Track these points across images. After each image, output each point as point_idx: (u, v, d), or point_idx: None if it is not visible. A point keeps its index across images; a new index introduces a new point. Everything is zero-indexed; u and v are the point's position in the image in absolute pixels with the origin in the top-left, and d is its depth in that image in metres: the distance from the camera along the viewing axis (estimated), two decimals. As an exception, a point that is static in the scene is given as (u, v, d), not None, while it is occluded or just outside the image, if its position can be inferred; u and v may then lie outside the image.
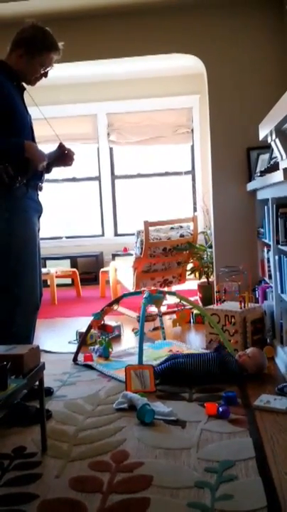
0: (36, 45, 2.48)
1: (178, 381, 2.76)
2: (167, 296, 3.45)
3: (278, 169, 2.64)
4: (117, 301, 3.47)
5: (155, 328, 3.96)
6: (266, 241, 3.47)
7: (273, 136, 2.66)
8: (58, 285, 5.95)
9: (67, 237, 7.19)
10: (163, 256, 4.53)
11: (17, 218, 2.44)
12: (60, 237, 7.16)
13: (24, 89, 2.62)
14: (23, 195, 2.47)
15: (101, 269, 5.93)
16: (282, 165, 2.66)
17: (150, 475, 1.84)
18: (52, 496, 1.74)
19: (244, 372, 2.80)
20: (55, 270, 5.88)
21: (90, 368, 3.16)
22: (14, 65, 2.52)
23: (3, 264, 2.43)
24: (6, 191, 2.40)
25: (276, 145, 2.68)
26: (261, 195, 3.73)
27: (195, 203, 6.91)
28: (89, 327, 3.46)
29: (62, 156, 2.70)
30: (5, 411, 1.70)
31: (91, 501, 1.69)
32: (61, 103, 6.77)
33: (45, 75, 2.61)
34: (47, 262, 6.52)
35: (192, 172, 7.02)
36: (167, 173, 7.12)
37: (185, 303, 3.81)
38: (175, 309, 4.25)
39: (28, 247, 2.48)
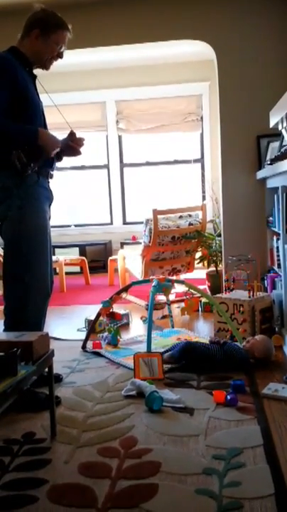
0: (50, 24, 2.52)
1: (195, 366, 2.78)
2: (175, 284, 3.45)
3: (289, 157, 2.62)
4: (126, 289, 3.47)
5: (164, 317, 3.97)
6: (276, 230, 3.45)
7: (284, 124, 2.64)
8: (67, 273, 5.97)
9: (76, 225, 7.20)
10: (172, 244, 4.53)
11: (29, 206, 2.44)
12: (69, 226, 7.18)
13: (35, 76, 2.62)
14: (35, 182, 2.47)
15: (110, 258, 5.93)
16: (292, 153, 2.65)
17: (158, 461, 1.85)
18: (61, 481, 1.76)
19: (251, 358, 2.80)
20: (63, 258, 5.90)
21: (99, 355, 3.18)
22: (29, 49, 2.53)
23: (15, 251, 2.44)
24: (18, 179, 2.40)
25: (287, 133, 2.67)
26: (270, 184, 3.70)
27: (203, 192, 6.88)
28: (98, 315, 3.48)
29: (71, 147, 2.69)
30: (15, 397, 1.71)
31: (99, 487, 1.71)
32: (69, 90, 6.73)
33: (61, 55, 2.61)
34: (56, 250, 6.53)
35: (202, 160, 6.98)
36: (176, 161, 7.08)
37: (193, 291, 3.81)
38: (184, 298, 4.25)
39: (39, 234, 2.49)
